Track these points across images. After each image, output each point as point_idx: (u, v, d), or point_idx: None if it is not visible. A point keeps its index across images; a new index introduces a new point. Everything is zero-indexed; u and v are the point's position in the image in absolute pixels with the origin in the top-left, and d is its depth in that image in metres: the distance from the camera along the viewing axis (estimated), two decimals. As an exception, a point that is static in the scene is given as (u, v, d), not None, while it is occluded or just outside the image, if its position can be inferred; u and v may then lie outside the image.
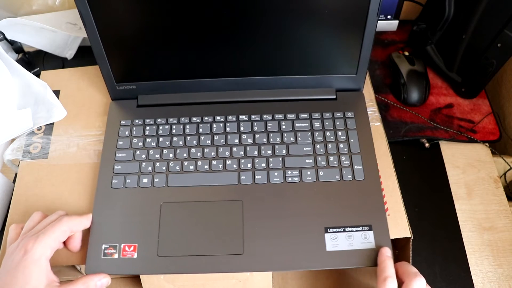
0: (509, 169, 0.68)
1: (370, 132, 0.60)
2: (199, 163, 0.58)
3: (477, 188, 0.65)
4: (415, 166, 0.67)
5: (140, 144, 0.60)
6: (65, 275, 0.59)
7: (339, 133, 0.60)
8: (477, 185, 0.65)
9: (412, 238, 0.54)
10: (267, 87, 0.63)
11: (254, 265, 0.51)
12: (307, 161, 0.58)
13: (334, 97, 0.63)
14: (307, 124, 0.61)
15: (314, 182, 0.56)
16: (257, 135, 0.60)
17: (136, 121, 0.62)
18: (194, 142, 0.60)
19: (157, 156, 0.59)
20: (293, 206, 0.54)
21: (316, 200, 0.55)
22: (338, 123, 0.61)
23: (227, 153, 0.59)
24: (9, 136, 0.64)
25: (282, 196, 0.55)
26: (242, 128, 0.61)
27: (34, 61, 0.80)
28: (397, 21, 0.79)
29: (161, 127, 0.61)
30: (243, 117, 0.62)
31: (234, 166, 0.58)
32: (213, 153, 0.59)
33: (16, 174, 0.62)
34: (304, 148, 0.59)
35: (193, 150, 0.59)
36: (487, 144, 0.68)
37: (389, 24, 0.80)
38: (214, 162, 0.58)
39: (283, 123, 0.61)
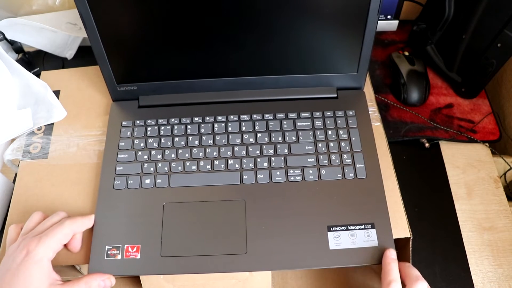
0: (509, 169, 0.69)
1: (372, 130, 0.60)
2: (201, 163, 0.58)
3: (477, 188, 0.65)
4: (415, 166, 0.67)
5: (142, 144, 0.60)
6: (65, 275, 0.59)
7: (341, 132, 0.60)
8: (477, 185, 0.66)
9: (412, 238, 0.54)
10: (268, 87, 0.63)
11: (257, 264, 0.51)
12: (309, 160, 0.58)
13: (335, 95, 0.63)
14: (309, 123, 0.61)
15: (316, 181, 0.56)
16: (258, 135, 0.60)
17: (138, 122, 0.62)
18: (196, 142, 0.60)
19: (159, 156, 0.59)
20: (296, 205, 0.55)
21: (319, 199, 0.55)
22: (339, 121, 0.61)
23: (229, 153, 0.59)
24: (9, 136, 0.63)
25: (285, 195, 0.55)
26: (243, 128, 0.61)
27: (34, 61, 0.79)
28: (397, 21, 0.80)
29: (162, 128, 0.61)
30: (244, 117, 0.62)
31: (236, 165, 0.58)
32: (215, 153, 0.59)
33: (16, 174, 0.62)
34: (306, 147, 0.59)
35: (195, 150, 0.59)
36: (487, 144, 0.68)
37: (389, 24, 0.80)
38: (216, 162, 0.58)
39: (285, 122, 0.61)
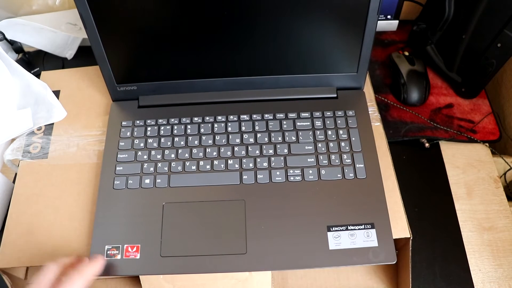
0: (509, 169, 0.69)
1: (372, 130, 0.61)
2: (201, 163, 0.58)
3: (477, 188, 0.65)
4: (415, 166, 0.67)
5: (142, 145, 0.60)
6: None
7: (341, 132, 0.60)
8: (477, 185, 0.66)
9: (411, 238, 0.54)
10: (268, 87, 0.63)
11: (257, 264, 0.51)
12: (308, 160, 0.58)
13: (335, 95, 0.63)
14: (309, 123, 0.61)
15: (316, 181, 0.56)
16: (258, 135, 0.60)
17: (137, 122, 0.62)
18: (196, 142, 0.60)
19: (158, 156, 0.59)
20: (296, 205, 0.55)
21: (318, 199, 0.55)
22: (339, 121, 0.61)
23: (229, 153, 0.59)
24: (9, 136, 0.63)
25: (284, 195, 0.55)
26: (243, 128, 0.61)
27: (34, 61, 0.79)
28: (397, 21, 0.80)
29: (162, 128, 0.61)
30: (244, 117, 0.62)
31: (236, 165, 0.58)
32: (214, 153, 0.59)
33: (16, 174, 0.62)
34: (306, 147, 0.59)
35: (194, 150, 0.59)
36: (487, 144, 0.68)
37: (389, 24, 0.80)
38: (216, 162, 0.58)
39: (285, 122, 0.61)
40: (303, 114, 0.62)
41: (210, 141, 0.60)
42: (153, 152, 0.59)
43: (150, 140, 0.60)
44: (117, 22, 0.56)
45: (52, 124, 0.65)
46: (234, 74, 0.62)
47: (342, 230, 0.53)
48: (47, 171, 0.61)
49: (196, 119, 0.62)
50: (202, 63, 0.61)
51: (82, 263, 0.49)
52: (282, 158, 0.58)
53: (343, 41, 0.59)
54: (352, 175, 0.57)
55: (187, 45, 0.58)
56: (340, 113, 0.62)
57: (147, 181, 0.57)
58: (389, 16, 0.79)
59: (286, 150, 0.59)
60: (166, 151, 0.59)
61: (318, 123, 0.61)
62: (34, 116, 0.65)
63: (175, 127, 0.61)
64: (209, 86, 0.63)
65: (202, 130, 0.61)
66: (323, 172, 0.57)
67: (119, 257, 0.52)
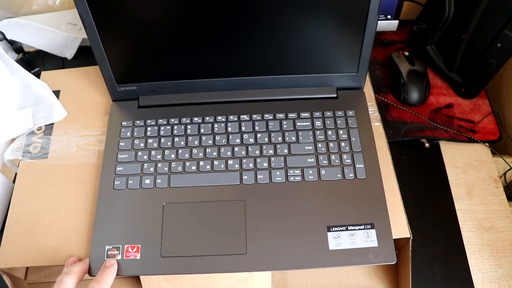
0: (509, 169, 0.69)
1: (372, 130, 0.60)
2: (201, 163, 0.58)
3: (477, 188, 0.65)
4: (415, 166, 0.67)
5: (142, 145, 0.60)
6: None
7: (341, 132, 0.60)
8: (477, 185, 0.66)
9: (411, 238, 0.54)
10: (268, 87, 0.63)
11: (257, 264, 0.51)
12: (308, 160, 0.58)
13: (335, 95, 0.63)
14: (309, 123, 0.61)
15: (316, 181, 0.56)
16: (258, 135, 0.60)
17: (137, 122, 0.62)
18: (196, 142, 0.60)
19: (159, 157, 0.59)
20: (296, 205, 0.55)
21: (318, 199, 0.55)
22: (339, 121, 0.61)
23: (229, 153, 0.59)
24: (9, 136, 0.63)
25: (284, 195, 0.55)
26: (243, 128, 0.61)
27: (34, 61, 0.79)
28: (397, 21, 0.80)
29: (162, 128, 0.61)
30: (244, 117, 0.62)
31: (236, 166, 0.58)
32: (214, 153, 0.59)
33: (16, 174, 0.62)
34: (306, 147, 0.59)
35: (194, 151, 0.59)
36: (487, 144, 0.68)
37: (389, 24, 0.80)
38: (216, 162, 0.58)
39: (285, 123, 0.61)
40: (303, 114, 0.62)
41: (210, 141, 0.60)
42: (153, 152, 0.59)
43: (150, 140, 0.60)
44: (117, 22, 0.56)
45: (52, 124, 0.65)
46: (234, 74, 0.62)
47: (342, 230, 0.53)
48: (47, 171, 0.61)
49: (196, 119, 0.62)
50: (202, 63, 0.61)
51: (101, 273, 0.49)
52: (282, 158, 0.58)
53: (343, 41, 0.59)
54: (352, 175, 0.57)
55: (187, 45, 0.58)
56: (340, 113, 0.62)
57: (147, 181, 0.57)
58: (389, 16, 0.79)
59: (286, 150, 0.59)
60: (166, 151, 0.59)
61: (318, 123, 0.61)
62: (34, 116, 0.65)
63: (175, 127, 0.61)
64: (209, 86, 0.63)
65: (202, 130, 0.61)
66: (323, 172, 0.57)
67: (119, 257, 0.52)
